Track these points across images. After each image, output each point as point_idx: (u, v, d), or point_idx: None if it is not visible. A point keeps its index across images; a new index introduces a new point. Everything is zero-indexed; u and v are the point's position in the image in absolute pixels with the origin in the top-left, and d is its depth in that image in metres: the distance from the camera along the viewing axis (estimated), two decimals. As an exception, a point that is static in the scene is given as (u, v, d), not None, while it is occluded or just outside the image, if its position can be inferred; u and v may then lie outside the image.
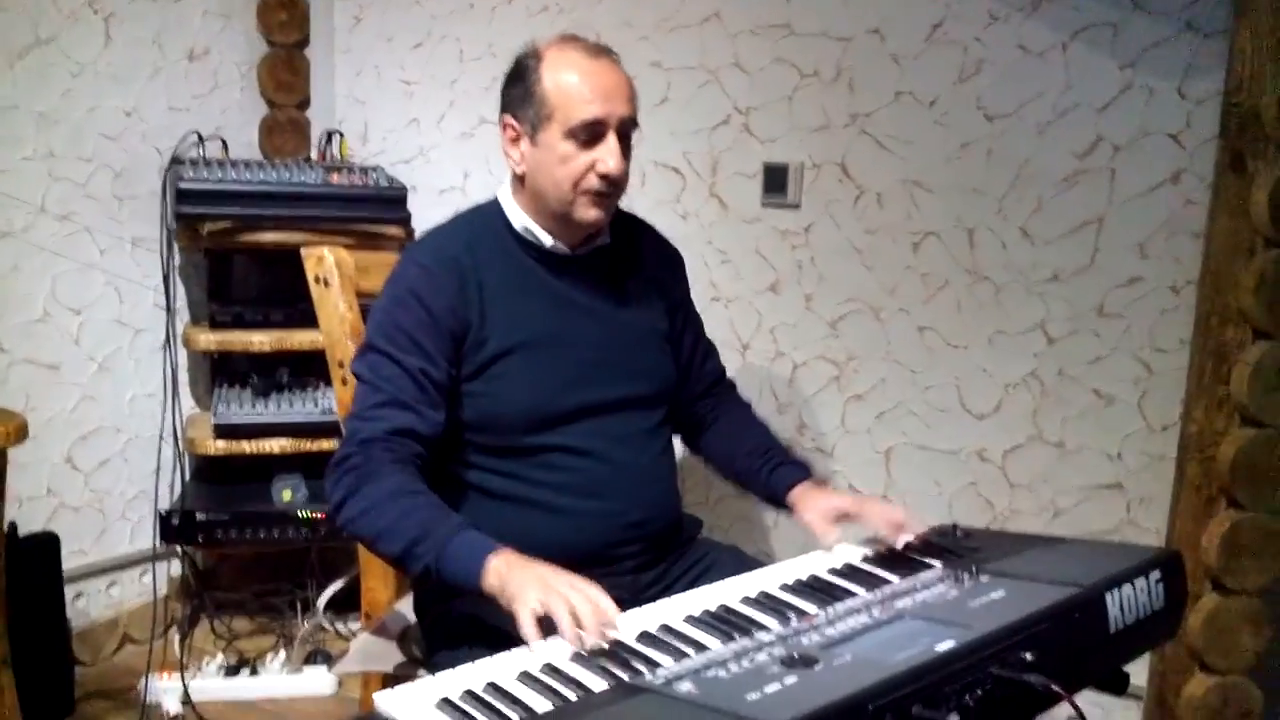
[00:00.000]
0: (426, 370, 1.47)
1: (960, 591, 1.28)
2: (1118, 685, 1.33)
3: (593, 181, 1.49)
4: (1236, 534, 1.76)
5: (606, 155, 1.48)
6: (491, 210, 1.61)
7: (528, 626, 1.19)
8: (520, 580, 1.24)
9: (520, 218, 1.57)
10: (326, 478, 1.44)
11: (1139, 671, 1.92)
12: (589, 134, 1.47)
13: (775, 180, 2.33)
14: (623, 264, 1.65)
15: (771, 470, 1.66)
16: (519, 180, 1.57)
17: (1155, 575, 1.33)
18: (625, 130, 1.51)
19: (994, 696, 1.08)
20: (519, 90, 1.52)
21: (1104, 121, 1.99)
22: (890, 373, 2.28)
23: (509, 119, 1.54)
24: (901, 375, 2.27)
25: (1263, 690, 1.84)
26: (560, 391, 1.53)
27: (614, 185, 1.50)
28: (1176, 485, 1.87)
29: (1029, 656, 1.11)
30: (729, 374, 1.87)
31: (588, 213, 1.51)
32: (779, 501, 1.64)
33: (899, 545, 1.48)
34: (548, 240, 1.56)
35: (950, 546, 1.48)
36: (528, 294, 1.56)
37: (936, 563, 1.42)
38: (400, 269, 1.55)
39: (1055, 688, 1.07)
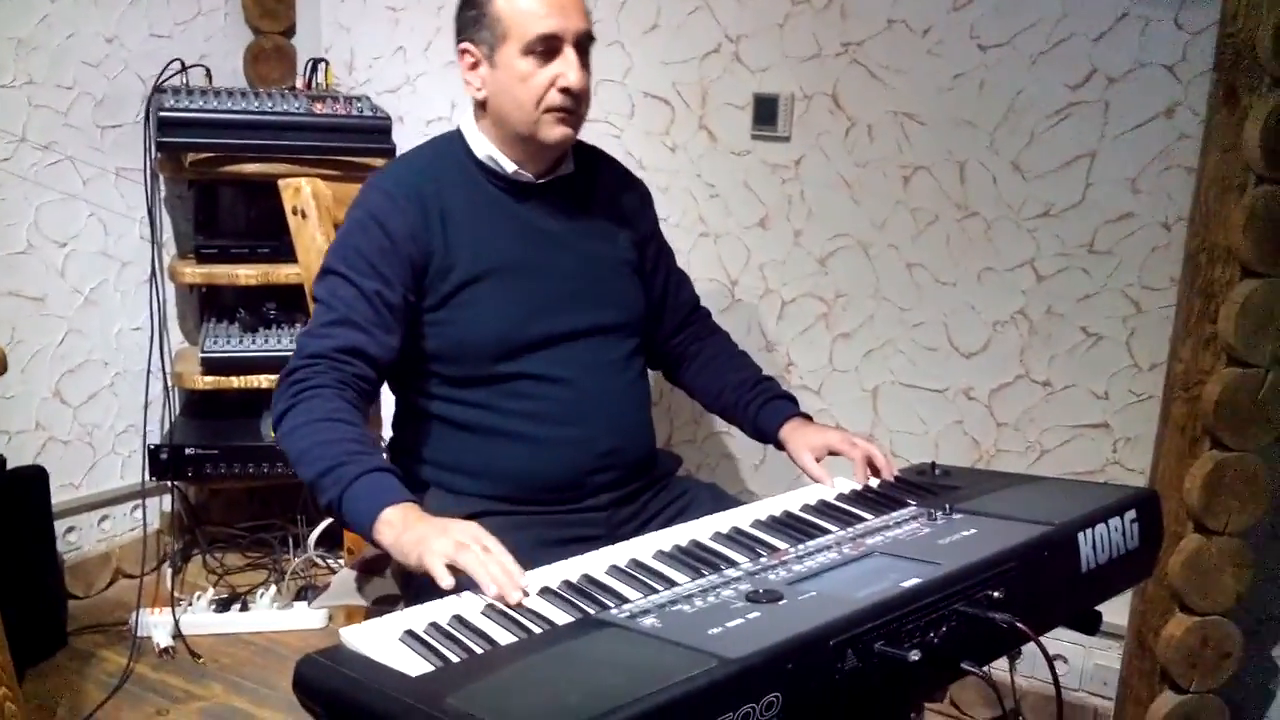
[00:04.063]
0: (381, 293, 1.46)
1: (932, 529, 1.28)
2: (1089, 625, 1.34)
3: (555, 98, 1.47)
4: (1219, 474, 1.75)
5: (566, 69, 1.47)
6: (454, 140, 1.60)
7: (441, 572, 1.17)
8: (420, 534, 1.22)
9: (483, 146, 1.56)
10: (275, 390, 1.44)
11: (1119, 612, 1.92)
12: (546, 49, 1.46)
13: (765, 111, 2.28)
14: (587, 194, 1.64)
15: (760, 406, 1.66)
16: (480, 108, 1.55)
17: (1130, 515, 1.32)
18: (582, 44, 1.50)
19: (960, 634, 1.08)
20: (472, 14, 1.51)
21: (1098, 52, 1.95)
22: (879, 310, 2.26)
23: (466, 45, 1.53)
24: (890, 313, 2.25)
25: (1242, 630, 1.85)
26: (530, 318, 1.53)
27: (576, 100, 1.49)
28: (1161, 425, 1.85)
29: (997, 595, 1.11)
30: (716, 311, 1.85)
31: (553, 131, 1.49)
32: (768, 438, 1.65)
33: (863, 485, 1.50)
34: (510, 167, 1.55)
35: (926, 485, 1.48)
36: (493, 222, 1.54)
37: (912, 501, 1.42)
38: (362, 195, 1.55)
39: (1020, 626, 1.07)
